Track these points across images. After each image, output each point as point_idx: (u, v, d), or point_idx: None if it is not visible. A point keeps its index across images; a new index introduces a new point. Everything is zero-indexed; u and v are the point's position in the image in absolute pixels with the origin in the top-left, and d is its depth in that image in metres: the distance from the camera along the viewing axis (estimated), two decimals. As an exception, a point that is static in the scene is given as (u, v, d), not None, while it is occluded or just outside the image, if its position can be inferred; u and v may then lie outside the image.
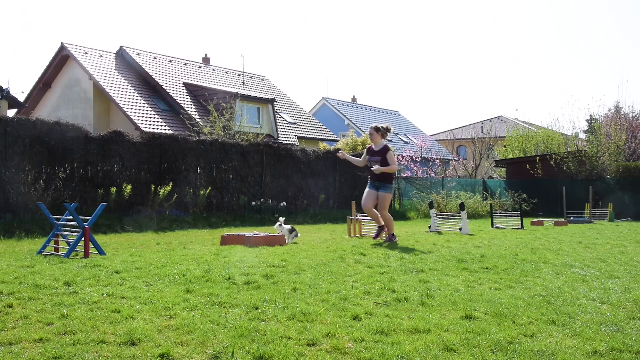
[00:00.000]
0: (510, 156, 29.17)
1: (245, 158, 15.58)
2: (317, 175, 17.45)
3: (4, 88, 19.02)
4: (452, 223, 12.35)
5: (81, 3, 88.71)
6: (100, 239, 8.47)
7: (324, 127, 30.26)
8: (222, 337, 3.19)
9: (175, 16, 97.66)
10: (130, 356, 2.89)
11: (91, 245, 6.49)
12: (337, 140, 28.02)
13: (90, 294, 4.21)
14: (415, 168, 26.26)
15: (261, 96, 25.74)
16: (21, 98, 22.12)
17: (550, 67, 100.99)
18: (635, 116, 25.84)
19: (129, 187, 12.56)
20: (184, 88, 24.84)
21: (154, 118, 22.06)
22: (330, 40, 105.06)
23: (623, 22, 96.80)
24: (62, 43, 23.45)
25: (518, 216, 13.78)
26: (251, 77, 30.48)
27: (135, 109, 21.94)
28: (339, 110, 37.27)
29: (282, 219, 8.40)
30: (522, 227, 13.12)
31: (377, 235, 8.96)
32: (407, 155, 26.87)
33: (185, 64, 27.67)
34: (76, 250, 6.49)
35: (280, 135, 25.15)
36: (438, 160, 28.81)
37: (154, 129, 20.69)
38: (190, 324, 3.44)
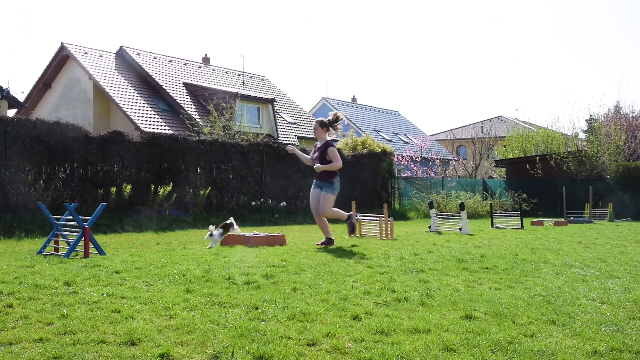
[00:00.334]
0: (510, 156, 29.18)
1: (245, 158, 15.58)
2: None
3: (4, 88, 19.02)
4: (452, 223, 12.35)
5: (81, 3, 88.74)
6: (100, 239, 8.47)
7: (324, 127, 30.23)
8: (222, 337, 3.19)
9: (175, 16, 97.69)
10: (130, 356, 2.89)
11: (91, 245, 6.49)
12: (337, 140, 28.00)
13: (90, 294, 4.21)
14: (415, 168, 26.26)
15: (261, 96, 25.74)
16: (21, 98, 22.12)
17: (550, 67, 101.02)
18: (635, 116, 25.84)
19: (129, 187, 12.57)
20: (184, 88, 24.84)
21: (154, 118, 22.06)
22: (330, 40, 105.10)
23: (623, 22, 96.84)
24: (62, 43, 23.47)
25: (518, 216, 13.78)
26: (251, 77, 30.49)
27: (135, 109, 21.94)
28: (338, 110, 37.28)
29: (212, 227, 7.54)
30: (522, 227, 13.13)
31: (351, 231, 8.90)
32: (407, 155, 26.87)
33: (185, 64, 27.68)
34: (76, 250, 6.49)
35: (280, 135, 25.15)
36: (438, 160, 28.82)
37: (154, 129, 20.69)
38: (190, 324, 3.44)
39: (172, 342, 3.10)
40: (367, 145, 21.07)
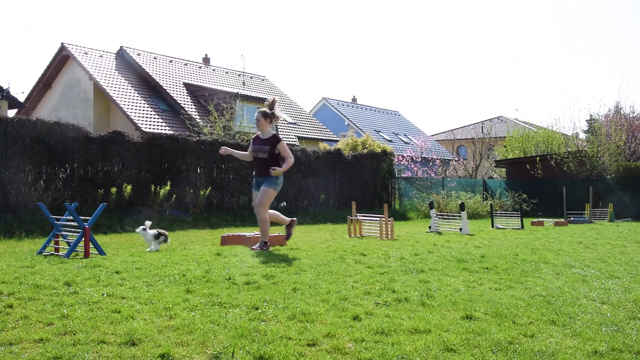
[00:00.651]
0: (510, 156, 29.18)
1: (245, 158, 15.56)
2: (317, 175, 17.46)
3: (4, 88, 19.01)
4: (452, 223, 12.36)
5: (81, 3, 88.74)
6: (100, 239, 8.47)
7: (324, 127, 30.26)
8: (222, 337, 3.19)
9: (175, 16, 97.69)
10: (130, 356, 2.89)
11: (91, 245, 6.49)
12: (337, 140, 28.02)
13: (90, 294, 4.21)
14: (415, 168, 26.26)
15: (261, 96, 25.72)
16: (21, 98, 22.11)
17: (550, 67, 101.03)
18: (635, 116, 25.84)
19: (129, 187, 12.57)
20: (184, 88, 24.84)
21: (154, 118, 22.05)
22: (330, 40, 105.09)
23: (623, 22, 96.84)
24: (62, 43, 23.45)
25: (518, 216, 13.79)
26: (251, 77, 30.48)
27: (135, 109, 21.93)
28: (339, 110, 37.27)
29: (148, 223, 7.12)
30: (522, 227, 13.13)
31: (288, 236, 7.70)
32: (407, 155, 26.88)
33: (185, 64, 27.67)
34: (76, 250, 6.48)
35: (280, 135, 25.13)
36: (438, 160, 28.82)
37: (154, 129, 20.69)
38: (190, 324, 3.44)
39: (172, 342, 3.10)
40: (367, 145, 21.07)
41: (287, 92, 42.30)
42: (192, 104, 23.77)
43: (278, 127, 25.51)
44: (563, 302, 4.27)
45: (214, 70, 29.08)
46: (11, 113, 20.76)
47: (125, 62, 25.03)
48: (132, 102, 22.27)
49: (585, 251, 7.86)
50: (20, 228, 9.86)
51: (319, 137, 28.02)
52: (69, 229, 6.84)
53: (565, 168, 22.51)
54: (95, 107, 22.79)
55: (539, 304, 4.17)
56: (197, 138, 15.29)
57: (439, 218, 12.38)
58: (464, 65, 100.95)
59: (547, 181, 22.53)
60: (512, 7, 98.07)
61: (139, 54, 25.78)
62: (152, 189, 13.04)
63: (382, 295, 4.37)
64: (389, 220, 9.39)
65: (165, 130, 20.82)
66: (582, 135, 30.67)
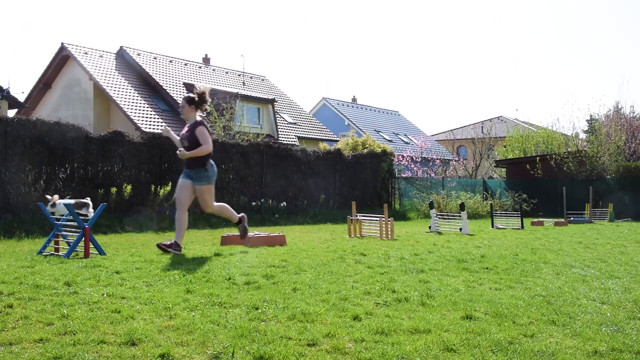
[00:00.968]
0: (510, 156, 29.19)
1: (245, 158, 15.57)
2: (317, 175, 17.45)
3: (4, 88, 19.01)
4: (452, 223, 12.36)
5: (81, 3, 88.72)
6: (100, 239, 8.47)
7: (324, 127, 30.26)
8: (222, 337, 3.19)
9: (175, 16, 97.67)
10: (130, 356, 2.89)
11: (91, 245, 6.49)
12: (337, 140, 28.03)
13: (90, 294, 4.21)
14: (415, 168, 26.27)
15: (261, 96, 25.74)
16: (21, 98, 22.11)
17: (550, 67, 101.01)
18: (635, 116, 25.85)
19: (129, 187, 12.56)
20: (184, 88, 24.84)
21: (154, 118, 22.05)
22: (330, 40, 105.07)
23: (623, 22, 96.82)
24: (62, 43, 23.45)
25: (518, 216, 13.79)
26: (251, 77, 30.48)
27: (135, 109, 21.93)
28: (339, 110, 37.27)
29: (55, 197, 6.58)
30: (522, 227, 13.13)
31: (243, 235, 7.34)
32: (407, 155, 26.88)
33: (185, 64, 27.68)
34: (76, 250, 6.48)
35: (280, 135, 25.15)
36: (438, 160, 28.83)
37: (154, 129, 20.68)
38: (190, 324, 3.44)
39: (172, 342, 3.10)
40: (367, 145, 21.07)
41: (287, 92, 42.31)
42: (192, 104, 23.75)
43: (279, 126, 25.54)
44: (563, 302, 4.27)
45: (214, 70, 29.09)
46: (11, 113, 20.77)
47: (125, 62, 25.03)
48: (132, 102, 22.27)
49: (585, 251, 7.86)
50: (20, 228, 9.86)
51: (319, 137, 28.03)
52: (69, 229, 6.84)
53: (565, 168, 22.52)
54: (95, 107, 22.79)
55: (539, 304, 4.17)
56: (197, 138, 15.26)
57: (439, 218, 12.38)
58: (464, 65, 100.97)
59: (547, 181, 22.53)
60: (512, 7, 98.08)
61: (139, 54, 25.78)
62: (152, 189, 13.03)
63: (382, 295, 4.37)
64: (389, 220, 9.39)
65: (165, 130, 20.79)
66: (582, 135, 30.70)
